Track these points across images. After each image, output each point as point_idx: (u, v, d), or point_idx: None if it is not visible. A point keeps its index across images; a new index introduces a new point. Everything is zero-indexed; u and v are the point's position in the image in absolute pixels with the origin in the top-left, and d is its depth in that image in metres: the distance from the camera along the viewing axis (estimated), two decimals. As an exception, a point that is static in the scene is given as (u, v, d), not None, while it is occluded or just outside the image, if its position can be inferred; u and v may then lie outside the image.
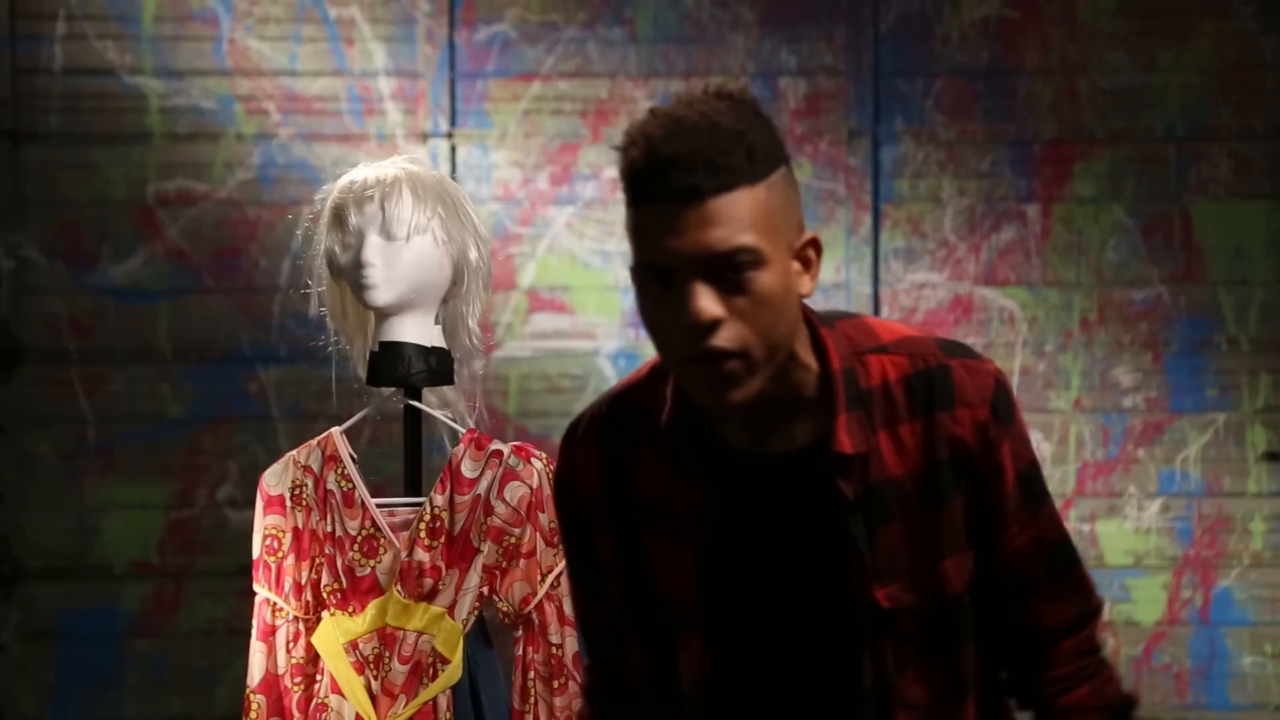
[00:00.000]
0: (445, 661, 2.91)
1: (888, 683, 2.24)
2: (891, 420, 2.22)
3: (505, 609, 2.93)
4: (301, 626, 2.98)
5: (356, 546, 2.95)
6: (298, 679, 2.98)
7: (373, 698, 2.93)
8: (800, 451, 2.22)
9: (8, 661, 5.11)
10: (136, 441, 5.13)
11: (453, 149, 5.16)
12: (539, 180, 5.19)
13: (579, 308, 5.19)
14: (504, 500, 2.92)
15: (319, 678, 2.96)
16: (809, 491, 2.22)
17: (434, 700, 2.92)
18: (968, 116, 5.22)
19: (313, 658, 2.97)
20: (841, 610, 2.24)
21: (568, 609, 2.92)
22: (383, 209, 2.94)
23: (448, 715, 2.92)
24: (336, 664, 2.92)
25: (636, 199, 2.09)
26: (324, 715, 2.93)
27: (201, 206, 5.15)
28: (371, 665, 2.93)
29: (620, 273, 5.11)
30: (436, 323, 3.03)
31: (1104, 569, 5.19)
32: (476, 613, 2.94)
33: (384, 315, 2.99)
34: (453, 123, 5.17)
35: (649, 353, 2.26)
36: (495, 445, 2.96)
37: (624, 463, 2.29)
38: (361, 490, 2.98)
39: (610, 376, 5.07)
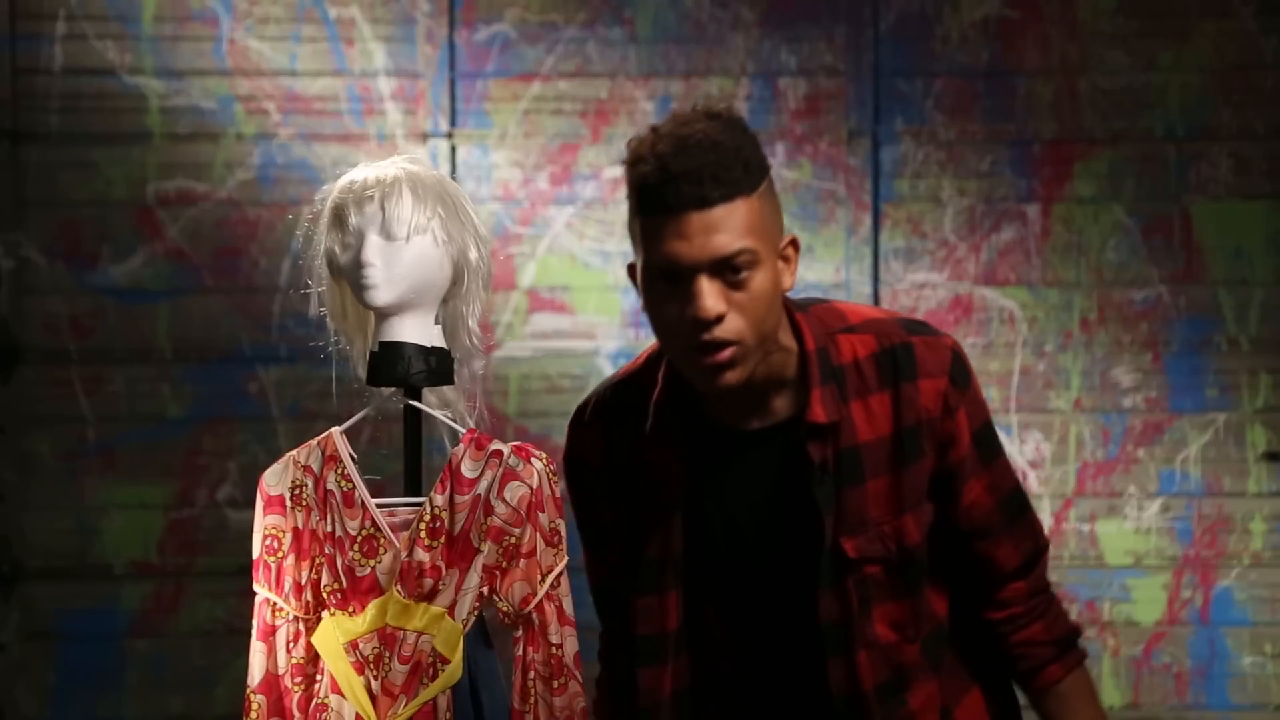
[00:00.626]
0: (445, 661, 2.91)
1: (851, 624, 2.53)
2: (862, 391, 2.51)
3: (505, 609, 2.92)
4: (301, 626, 2.98)
5: (356, 546, 2.95)
6: (298, 679, 2.97)
7: (373, 698, 2.93)
8: (779, 424, 2.52)
9: (8, 661, 5.11)
10: (136, 441, 5.13)
11: (453, 149, 5.16)
12: (539, 180, 5.19)
13: (579, 308, 5.19)
14: (504, 500, 2.91)
15: (319, 678, 2.96)
16: (786, 458, 2.52)
17: (434, 700, 2.92)
18: (968, 116, 5.22)
19: (313, 658, 2.97)
20: (813, 561, 2.52)
21: (568, 609, 2.92)
22: (383, 209, 2.93)
23: (448, 715, 2.92)
24: (336, 664, 2.92)
25: (648, 209, 2.39)
26: (324, 715, 2.93)
27: (201, 206, 5.16)
28: (371, 665, 2.93)
29: (620, 273, 5.11)
30: (436, 323, 3.02)
31: (1104, 569, 5.19)
32: (476, 613, 2.94)
33: (384, 315, 2.98)
34: (453, 123, 5.17)
35: (649, 352, 2.29)
36: (495, 445, 2.95)
37: (624, 439, 2.60)
38: (361, 490, 2.97)
39: (610, 377, 5.06)
